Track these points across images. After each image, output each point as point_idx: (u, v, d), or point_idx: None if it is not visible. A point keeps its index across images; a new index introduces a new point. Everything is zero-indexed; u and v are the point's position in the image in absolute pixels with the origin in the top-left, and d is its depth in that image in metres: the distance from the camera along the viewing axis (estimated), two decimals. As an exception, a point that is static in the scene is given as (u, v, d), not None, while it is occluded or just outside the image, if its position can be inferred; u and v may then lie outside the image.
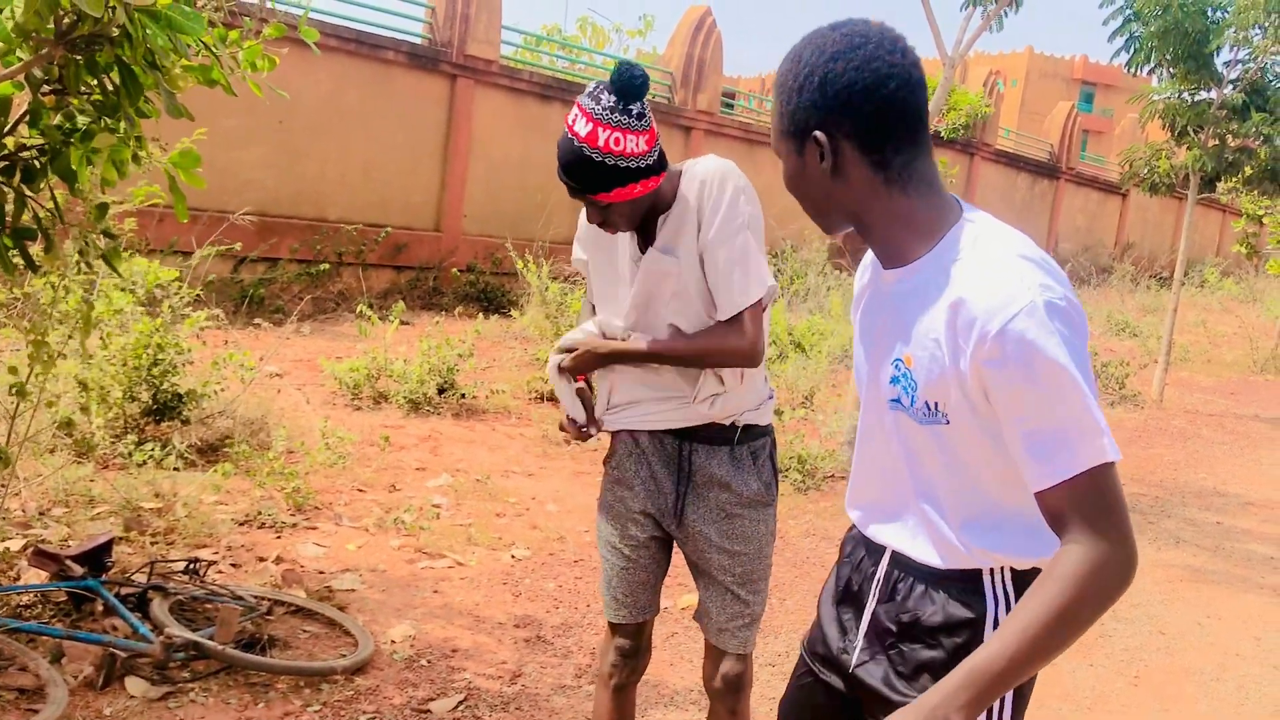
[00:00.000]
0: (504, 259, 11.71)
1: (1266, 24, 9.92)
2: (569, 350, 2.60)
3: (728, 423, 2.50)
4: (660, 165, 2.36)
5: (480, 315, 9.96)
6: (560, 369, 2.62)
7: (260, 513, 4.71)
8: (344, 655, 3.58)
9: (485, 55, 12.35)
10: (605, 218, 2.39)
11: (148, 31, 2.66)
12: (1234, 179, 11.55)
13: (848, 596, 1.78)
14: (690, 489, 2.52)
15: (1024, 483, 1.47)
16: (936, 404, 1.52)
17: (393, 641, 3.77)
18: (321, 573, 4.25)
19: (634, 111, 2.28)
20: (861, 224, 1.58)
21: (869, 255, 1.74)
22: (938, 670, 1.58)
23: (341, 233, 10.97)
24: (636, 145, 2.28)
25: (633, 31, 20.40)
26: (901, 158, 1.52)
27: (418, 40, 12.19)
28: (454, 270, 11.91)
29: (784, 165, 1.60)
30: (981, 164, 21.36)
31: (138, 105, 2.88)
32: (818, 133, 1.51)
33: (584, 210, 2.47)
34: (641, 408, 2.54)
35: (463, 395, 7.24)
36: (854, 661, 1.72)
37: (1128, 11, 10.48)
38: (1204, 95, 11.06)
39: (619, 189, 2.31)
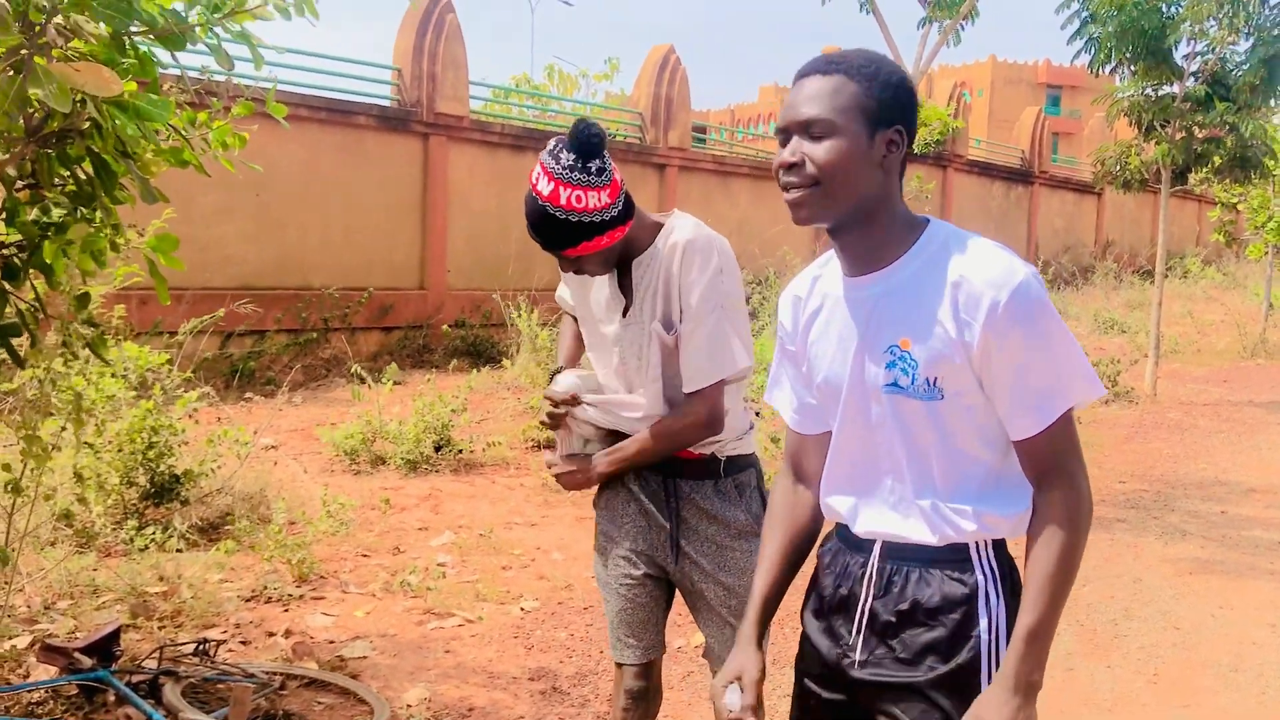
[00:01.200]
0: (491, 310, 11.75)
1: (1220, 15, 10.05)
2: (563, 402, 2.60)
3: (709, 455, 2.52)
4: (626, 213, 2.39)
5: (472, 369, 9.98)
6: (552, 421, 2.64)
7: (266, 587, 4.69)
8: (360, 724, 3.56)
9: (455, 111, 12.45)
10: (578, 268, 2.45)
11: (117, 122, 2.69)
12: (1204, 169, 11.65)
13: (836, 604, 1.82)
14: (680, 524, 2.54)
15: (1003, 445, 1.71)
16: (935, 379, 1.67)
17: (408, 706, 3.75)
18: (332, 642, 4.24)
19: (593, 169, 2.32)
20: (867, 221, 1.71)
21: (791, 294, 1.89)
22: (941, 648, 1.70)
23: (327, 298, 11.00)
24: (599, 200, 2.32)
25: (599, 75, 20.53)
26: (904, 171, 1.75)
27: (387, 102, 12.30)
28: (443, 326, 11.94)
29: (839, 141, 1.65)
30: (955, 176, 21.51)
31: (112, 194, 2.90)
32: (900, 126, 1.69)
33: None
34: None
35: (460, 451, 7.24)
36: (856, 662, 1.77)
37: (1085, 14, 10.62)
38: (1167, 90, 11.19)
39: (585, 243, 2.36)
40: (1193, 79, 10.92)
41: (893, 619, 1.73)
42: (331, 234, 11.34)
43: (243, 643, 4.19)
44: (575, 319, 2.81)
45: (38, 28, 2.43)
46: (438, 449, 7.15)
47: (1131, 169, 11.82)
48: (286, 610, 4.55)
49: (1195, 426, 10.08)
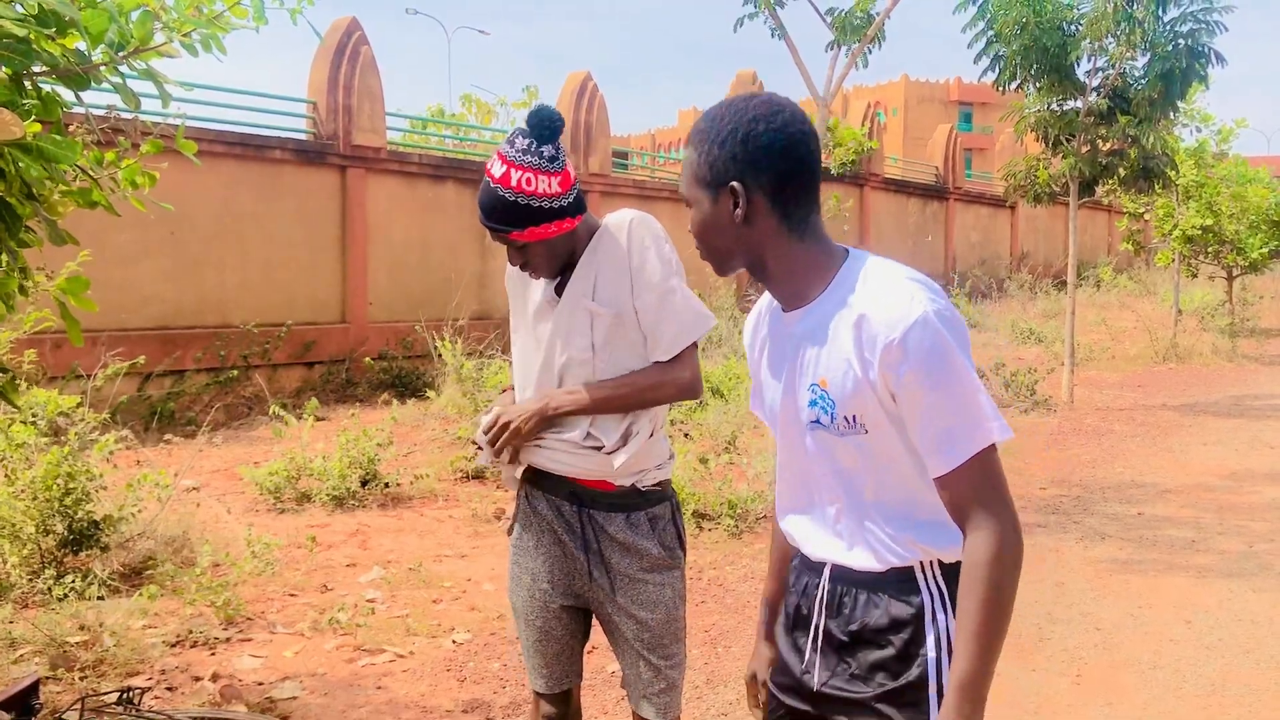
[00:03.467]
0: (415, 342, 11.67)
1: (1118, 32, 10.38)
2: (499, 425, 2.54)
3: (629, 486, 2.52)
4: (577, 207, 2.43)
5: (396, 401, 9.90)
6: (491, 444, 2.56)
7: (191, 631, 4.61)
8: (291, 765, 3.51)
9: (372, 143, 12.40)
10: (525, 259, 2.47)
11: (20, 164, 2.66)
12: (1111, 181, 11.99)
13: (799, 621, 1.90)
14: (592, 555, 2.53)
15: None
16: (854, 416, 1.71)
17: (340, 744, 3.70)
18: (261, 684, 4.17)
19: (546, 154, 2.37)
20: (763, 268, 1.77)
21: (757, 310, 1.96)
22: (890, 666, 1.75)
23: (247, 336, 10.86)
24: (549, 186, 2.37)
25: (518, 103, 20.58)
26: (802, 211, 1.74)
27: (303, 136, 12.20)
28: (366, 359, 11.84)
29: (695, 211, 1.77)
30: (872, 194, 21.88)
31: (18, 237, 2.86)
32: (735, 183, 1.71)
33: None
34: (546, 450, 2.54)
35: (386, 485, 7.18)
36: (816, 680, 1.83)
37: (989, 33, 10.91)
38: (1071, 105, 11.52)
39: (532, 228, 2.39)
40: (1095, 94, 11.25)
41: (845, 638, 1.80)
42: (250, 270, 11.20)
43: (169, 689, 4.11)
44: None
45: (-66, 71, 2.39)
46: (364, 484, 7.08)
47: (1041, 182, 12.13)
48: (213, 654, 4.47)
49: (1112, 431, 10.34)
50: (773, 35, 7.24)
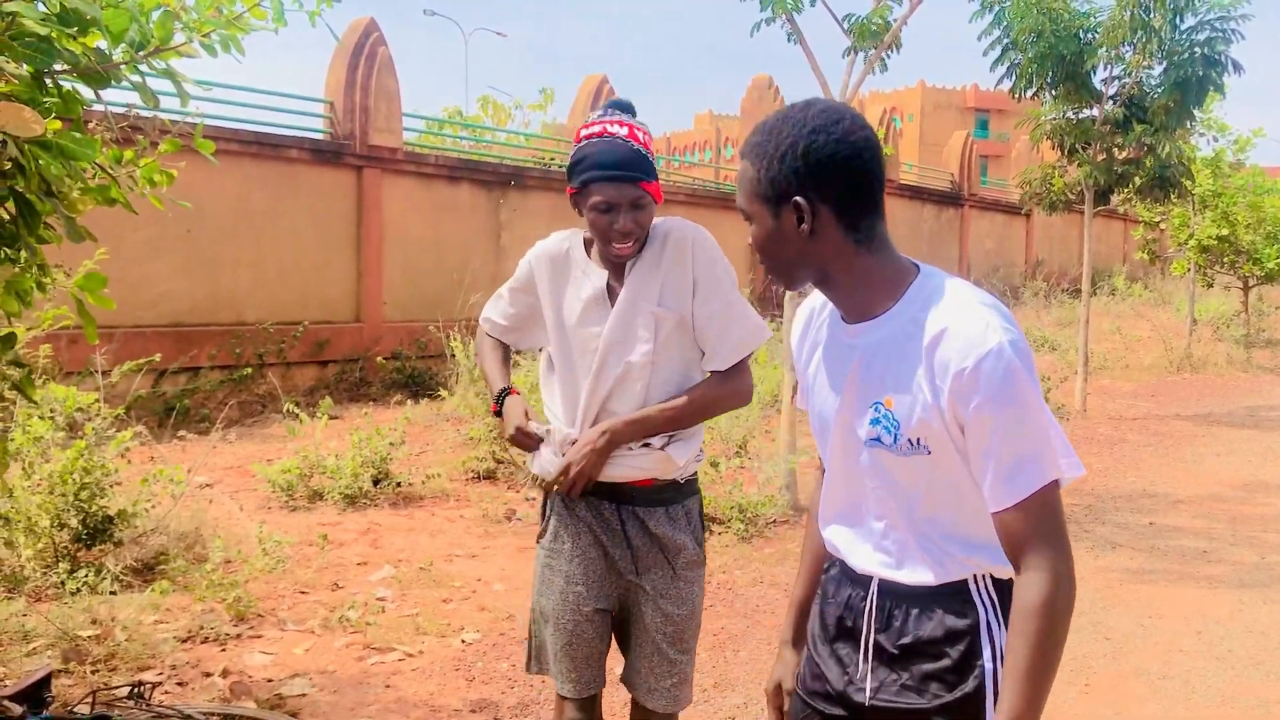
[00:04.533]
0: (429, 342, 11.70)
1: (1135, 41, 10.36)
2: (567, 472, 2.53)
3: (670, 480, 2.56)
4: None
5: (409, 401, 9.93)
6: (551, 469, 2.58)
7: (202, 627, 4.63)
8: (300, 762, 3.53)
9: (389, 144, 12.44)
10: (636, 221, 2.47)
11: (40, 161, 2.68)
12: (1126, 190, 11.97)
13: (841, 633, 1.86)
14: (634, 551, 2.56)
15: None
16: (920, 439, 1.67)
17: (349, 741, 3.72)
18: (270, 681, 4.19)
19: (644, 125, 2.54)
20: (830, 281, 1.74)
21: (808, 309, 1.93)
22: (946, 677, 1.73)
23: (261, 334, 10.91)
24: (652, 150, 2.53)
25: (534, 105, 20.63)
26: (868, 221, 1.70)
27: (320, 135, 12.25)
28: (379, 359, 11.88)
29: (756, 226, 1.73)
30: (888, 200, 21.79)
31: (37, 233, 2.89)
32: (799, 198, 1.66)
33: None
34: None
35: (398, 484, 7.21)
36: (868, 692, 1.80)
37: (1005, 40, 10.90)
38: (1087, 113, 11.50)
39: (654, 182, 2.48)
40: (1111, 102, 11.24)
41: (896, 651, 1.77)
42: (265, 269, 11.25)
43: (179, 684, 4.14)
44: (503, 342, 2.82)
45: (-42, 69, 2.42)
46: (376, 483, 7.11)
47: (1056, 190, 12.12)
48: (224, 650, 4.49)
49: (1124, 440, 10.31)
50: (789, 40, 7.23)
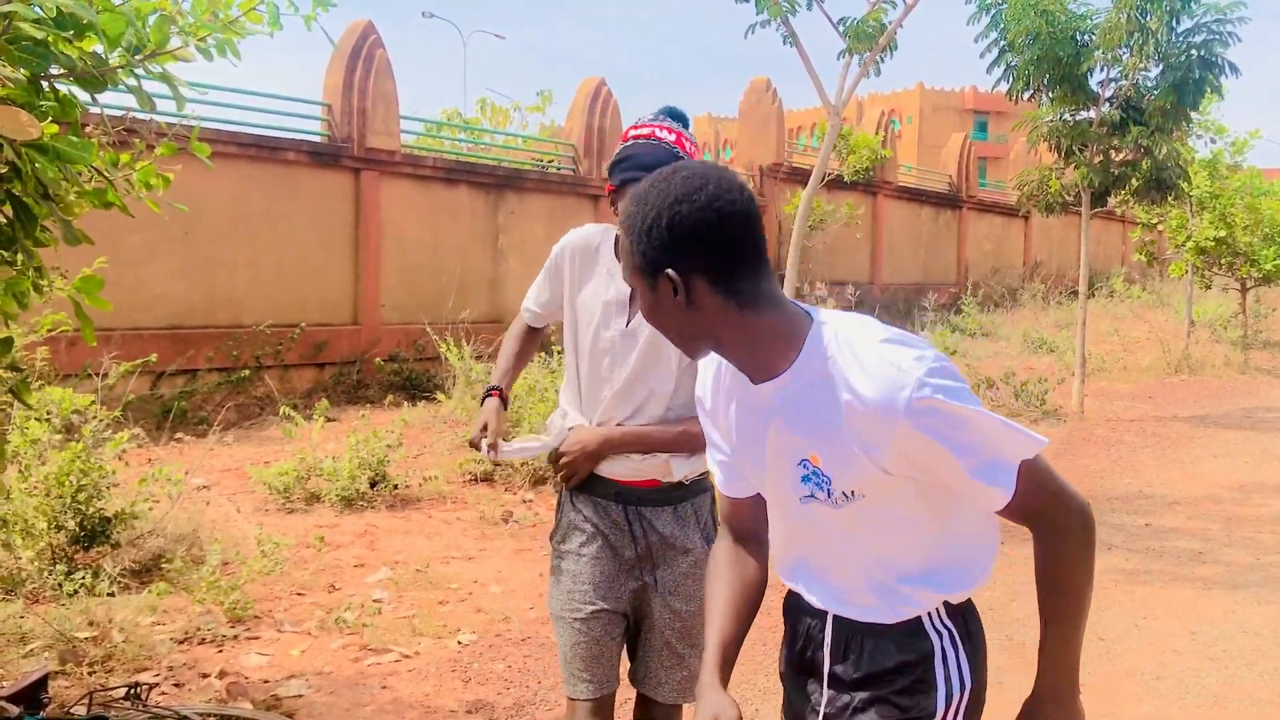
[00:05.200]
0: (426, 345, 11.72)
1: (1131, 43, 10.38)
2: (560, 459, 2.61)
3: (675, 481, 2.58)
4: None
5: (406, 404, 9.94)
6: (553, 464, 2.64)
7: (199, 629, 4.65)
8: (296, 762, 3.55)
9: (386, 146, 12.45)
10: None
11: (37, 165, 2.70)
12: (1123, 192, 11.99)
13: (803, 664, 1.87)
14: (640, 552, 2.59)
15: (942, 517, 1.72)
16: (853, 490, 1.66)
17: (345, 742, 3.74)
18: (267, 682, 4.21)
19: (691, 133, 2.56)
20: (724, 346, 1.69)
21: (715, 365, 1.85)
22: (900, 701, 1.76)
23: (259, 336, 10.92)
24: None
25: (532, 107, 20.61)
26: (749, 284, 1.64)
27: (318, 138, 12.27)
28: (377, 361, 11.89)
29: (641, 299, 1.70)
30: (885, 202, 21.88)
31: (34, 236, 2.90)
32: (669, 270, 1.61)
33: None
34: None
35: (395, 486, 7.22)
36: (822, 712, 1.82)
37: (1002, 43, 10.92)
38: (1084, 115, 11.52)
39: None
40: (1108, 104, 11.26)
41: (852, 681, 1.79)
42: (262, 271, 11.27)
43: (176, 685, 4.15)
44: (536, 329, 2.89)
45: (-45, 73, 2.43)
46: (373, 485, 7.12)
47: (1053, 192, 12.14)
48: (220, 651, 4.51)
49: (1121, 442, 10.33)
50: (784, 43, 7.24)
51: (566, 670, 2.65)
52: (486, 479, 7.79)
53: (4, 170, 2.68)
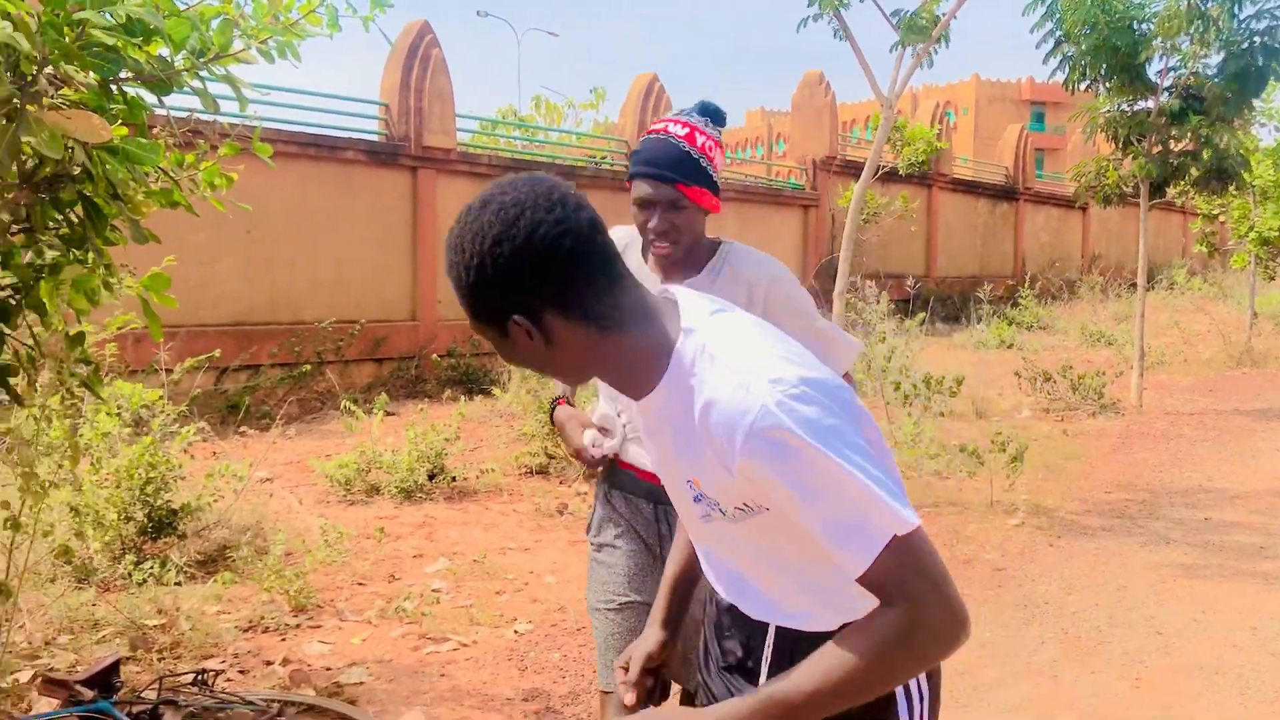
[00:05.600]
0: (482, 340, 11.82)
1: (1191, 31, 10.22)
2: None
3: None
4: (718, 196, 2.52)
5: (464, 398, 10.06)
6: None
7: (263, 617, 4.76)
8: (357, 747, 3.64)
9: (443, 145, 12.59)
10: (672, 223, 2.46)
11: (107, 166, 2.80)
12: (1182, 182, 11.80)
13: (739, 667, 1.73)
14: (666, 550, 2.58)
15: None
16: (746, 504, 1.48)
17: (404, 728, 3.82)
18: (328, 669, 4.31)
19: (719, 132, 2.51)
20: (602, 372, 1.55)
21: None
22: (852, 714, 1.54)
23: (320, 332, 11.10)
24: (718, 160, 2.49)
25: (585, 104, 20.73)
26: (605, 303, 1.47)
27: (375, 137, 12.44)
28: (434, 356, 12.04)
29: (497, 347, 1.54)
30: (940, 194, 21.70)
31: (104, 235, 3.01)
32: (515, 317, 1.45)
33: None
34: (634, 449, 2.63)
35: (453, 478, 7.32)
36: None
37: (1058, 33, 10.79)
38: (1142, 105, 11.35)
39: (698, 187, 2.44)
40: (1167, 93, 11.09)
41: None
42: (323, 268, 11.46)
43: (241, 672, 4.26)
44: None
45: (30, 78, 2.53)
46: (431, 477, 7.23)
47: (1110, 184, 11.98)
48: (284, 639, 4.62)
49: (1181, 435, 10.18)
50: (835, 36, 7.24)
51: (602, 663, 2.67)
52: (541, 472, 7.87)
53: (76, 171, 2.78)
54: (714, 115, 2.52)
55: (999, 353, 15.29)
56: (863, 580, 1.38)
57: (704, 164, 2.45)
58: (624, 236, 2.69)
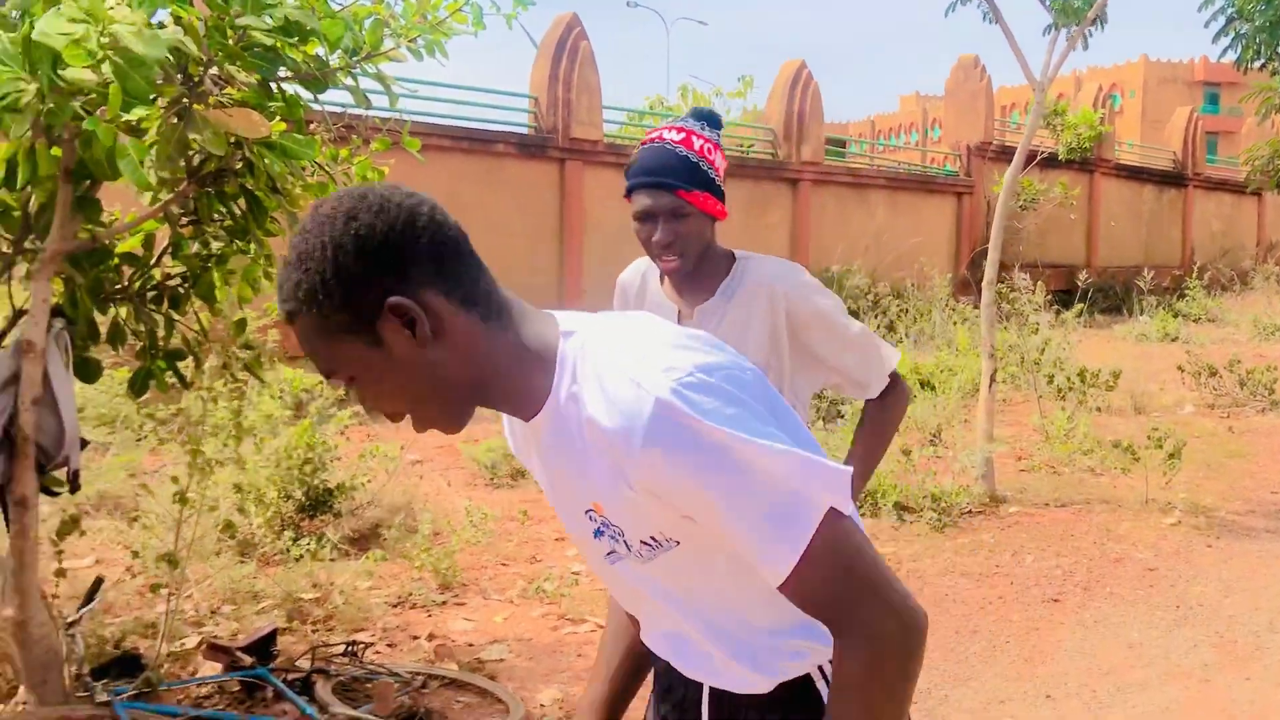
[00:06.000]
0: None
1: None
2: None
3: None
4: (722, 199, 2.36)
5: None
6: None
7: (411, 594, 4.95)
8: (497, 721, 3.76)
9: (590, 136, 12.78)
10: (675, 235, 2.29)
11: (266, 160, 2.96)
12: (1367, 165, 11.13)
13: None
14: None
15: None
16: (654, 537, 1.29)
17: (541, 705, 3.93)
18: (471, 645, 4.46)
19: (717, 135, 2.37)
20: (485, 386, 1.30)
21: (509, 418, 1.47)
22: None
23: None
24: (719, 162, 2.34)
25: (733, 93, 20.67)
26: (479, 287, 1.27)
27: (525, 130, 12.70)
28: (579, 345, 12.23)
29: (353, 380, 1.28)
30: (1102, 180, 20.92)
31: (264, 227, 3.18)
32: (394, 299, 1.21)
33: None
34: None
35: (596, 465, 7.44)
36: None
37: (1229, 10, 10.29)
38: (1322, 84, 10.75)
39: (699, 191, 2.28)
40: (1350, 72, 10.47)
41: None
42: (473, 258, 11.76)
43: (389, 645, 4.44)
44: None
45: (197, 79, 2.70)
46: (575, 464, 7.36)
47: (1285, 168, 11.37)
48: (430, 615, 4.79)
49: (1361, 434, 9.60)
50: (985, 20, 7.07)
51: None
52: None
53: (239, 166, 2.95)
54: (709, 119, 2.38)
55: (1162, 346, 14.67)
56: (794, 589, 1.21)
57: (704, 167, 2.29)
58: (636, 271, 2.58)
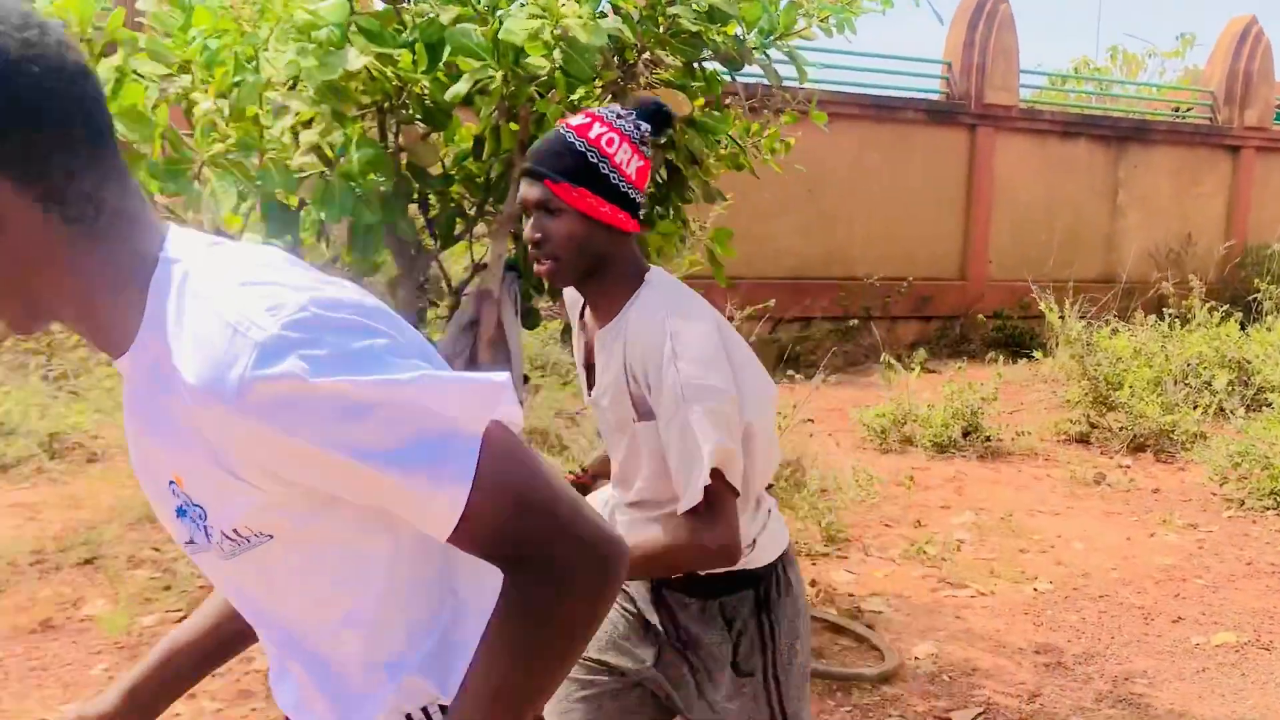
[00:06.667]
0: (1031, 302, 11.59)
1: None
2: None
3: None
4: (634, 216, 1.94)
5: (1005, 360, 10.00)
6: None
7: (797, 542, 5.23)
8: (871, 666, 3.97)
9: (1004, 101, 12.42)
10: (544, 234, 1.91)
11: (686, 136, 3.30)
12: None
13: None
14: (665, 640, 2.07)
15: (444, 558, 1.11)
16: (239, 531, 1.03)
17: (916, 658, 4.08)
18: (851, 595, 4.67)
19: (641, 131, 1.94)
20: (37, 300, 1.00)
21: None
22: None
23: (869, 288, 11.52)
24: (627, 162, 1.90)
25: (1169, 53, 19.22)
26: (83, 181, 0.96)
27: (935, 96, 12.56)
28: (980, 317, 12.00)
29: None
30: None
31: (682, 195, 3.53)
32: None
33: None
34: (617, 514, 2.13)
35: (987, 438, 7.39)
36: None
37: None
38: None
39: (581, 188, 1.87)
40: None
41: None
42: (875, 226, 11.83)
43: (774, 587, 4.75)
44: None
45: (631, 62, 3.07)
46: (965, 434, 7.35)
47: None
48: (814, 564, 5.06)
49: None
50: None
51: None
52: (1082, 440, 7.71)
53: (661, 142, 3.31)
54: (653, 116, 1.96)
55: None
56: (468, 534, 0.99)
57: (594, 159, 1.86)
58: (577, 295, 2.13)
